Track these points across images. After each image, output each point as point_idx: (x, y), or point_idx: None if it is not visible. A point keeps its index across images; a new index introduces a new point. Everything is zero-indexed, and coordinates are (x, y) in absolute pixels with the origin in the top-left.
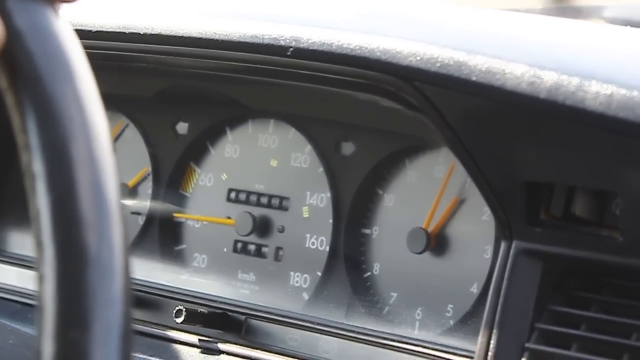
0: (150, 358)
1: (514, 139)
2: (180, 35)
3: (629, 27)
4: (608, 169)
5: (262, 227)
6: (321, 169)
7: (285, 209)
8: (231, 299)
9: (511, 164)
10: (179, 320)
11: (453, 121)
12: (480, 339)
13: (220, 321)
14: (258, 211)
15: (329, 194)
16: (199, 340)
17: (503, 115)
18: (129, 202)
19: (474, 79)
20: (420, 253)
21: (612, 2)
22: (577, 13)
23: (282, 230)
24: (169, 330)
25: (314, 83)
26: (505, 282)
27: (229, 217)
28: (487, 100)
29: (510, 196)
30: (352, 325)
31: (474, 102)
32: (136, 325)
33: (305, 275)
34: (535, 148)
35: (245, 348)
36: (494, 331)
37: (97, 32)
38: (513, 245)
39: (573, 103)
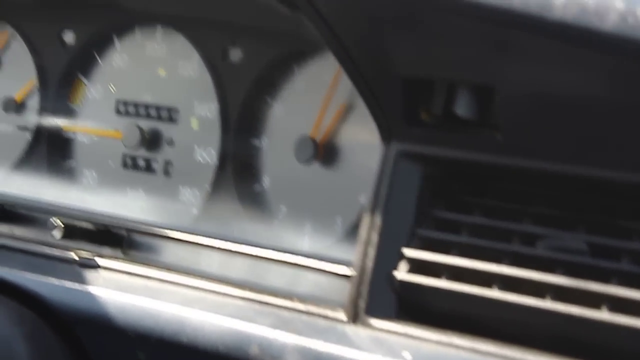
0: (25, 275)
1: (389, 33)
2: None
3: None
4: (487, 62)
5: (151, 140)
6: (209, 78)
7: (174, 121)
8: (118, 215)
9: (388, 60)
10: (57, 235)
11: (329, 17)
12: (358, 247)
13: (100, 236)
14: (147, 124)
15: (217, 104)
16: (78, 255)
17: (378, 8)
18: (16, 117)
19: None
20: (308, 163)
21: None
22: None
23: (171, 143)
24: (49, 247)
25: None
26: (385, 187)
27: (117, 130)
28: None
29: (388, 95)
30: (239, 239)
31: None
32: (16, 243)
33: (195, 190)
34: (411, 42)
35: (125, 263)
36: (373, 239)
37: None
38: (392, 148)
39: None
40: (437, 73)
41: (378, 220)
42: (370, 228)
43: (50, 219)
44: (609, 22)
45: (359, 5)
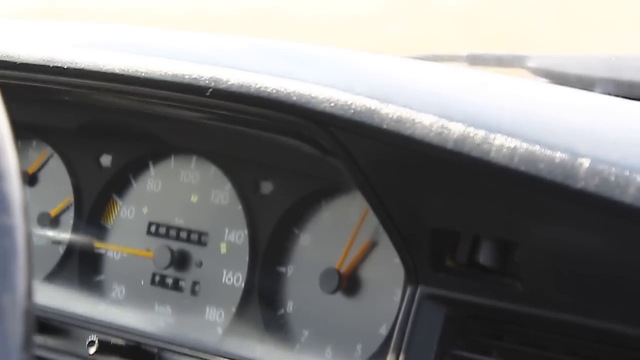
0: None
1: (422, 186)
2: (102, 70)
3: (547, 79)
4: (510, 219)
5: (180, 261)
6: (240, 207)
7: (204, 244)
8: (146, 331)
9: (419, 211)
10: (92, 351)
11: (364, 166)
12: None
13: (133, 353)
14: (177, 245)
15: (246, 232)
16: None
17: (412, 163)
18: (50, 232)
19: (384, 127)
20: (332, 293)
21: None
22: (499, 62)
23: (199, 265)
24: None
25: (232, 123)
26: (409, 325)
27: (148, 250)
28: (398, 148)
29: (417, 242)
30: None
31: (385, 150)
32: (50, 355)
33: (220, 310)
34: (442, 196)
35: None
36: None
37: (20, 64)
38: (418, 290)
39: (478, 155)
40: (464, 227)
41: (402, 356)
42: None
43: (88, 335)
44: (629, 194)
45: (395, 158)
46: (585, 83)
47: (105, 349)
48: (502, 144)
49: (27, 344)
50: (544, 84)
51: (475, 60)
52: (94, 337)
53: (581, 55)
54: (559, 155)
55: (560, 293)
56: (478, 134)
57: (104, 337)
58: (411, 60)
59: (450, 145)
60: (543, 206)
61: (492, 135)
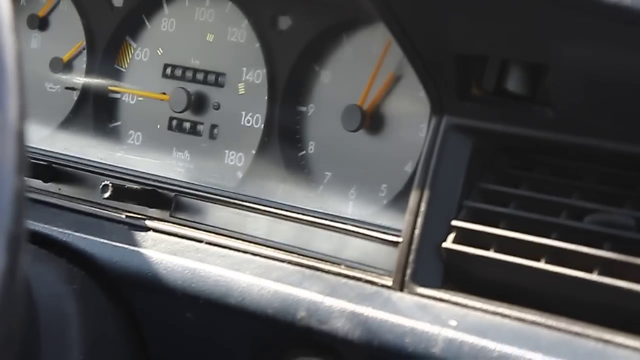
0: (75, 233)
1: (446, 9)
2: None
3: None
4: (542, 40)
5: (197, 103)
6: (257, 44)
7: (221, 85)
8: (163, 177)
9: (443, 36)
10: (106, 195)
11: None
12: (407, 216)
13: (148, 198)
14: (193, 87)
15: (264, 70)
16: (126, 216)
17: None
18: (63, 77)
19: None
20: (355, 131)
21: None
22: None
23: (217, 107)
24: (97, 207)
25: None
26: (434, 158)
27: (164, 93)
28: None
29: (442, 70)
30: (284, 204)
31: None
32: (65, 202)
33: (240, 154)
34: (468, 19)
35: (173, 225)
36: (421, 208)
37: None
38: (444, 121)
39: None
40: (492, 51)
41: (427, 190)
42: (419, 198)
43: (101, 181)
44: None
45: None
46: None
47: (120, 193)
48: None
49: (20, 167)
50: None
51: None
52: (107, 182)
53: None
54: None
55: (594, 118)
56: None
57: (119, 183)
58: None
59: None
60: (577, 23)
61: None
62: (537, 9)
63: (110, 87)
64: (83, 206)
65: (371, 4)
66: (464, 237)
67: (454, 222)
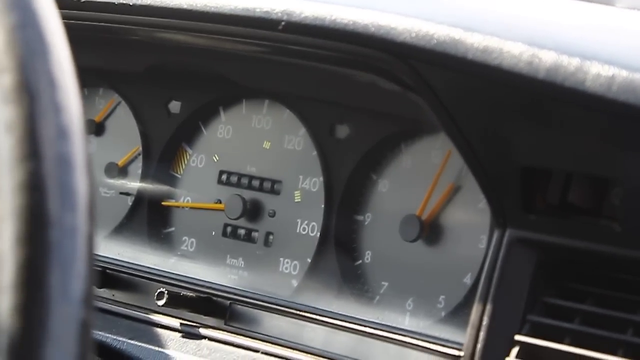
0: (129, 341)
1: (510, 121)
2: (169, 7)
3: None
4: (609, 154)
5: (253, 210)
6: (315, 152)
7: (277, 192)
8: (218, 284)
9: (507, 148)
10: (161, 302)
11: (448, 102)
12: (469, 330)
13: (203, 305)
14: (249, 194)
15: (321, 178)
16: (181, 324)
17: (500, 96)
18: (118, 182)
19: (470, 57)
20: (413, 241)
21: None
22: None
23: (273, 215)
24: (151, 314)
25: (306, 60)
26: (497, 271)
27: (219, 200)
28: (484, 80)
29: (506, 182)
30: (340, 314)
31: (470, 82)
32: (118, 308)
33: (295, 262)
34: (532, 131)
35: (228, 334)
36: (484, 322)
37: (85, 2)
38: (507, 234)
39: (572, 84)
40: (557, 164)
41: (490, 304)
42: (481, 311)
43: (156, 288)
44: None
45: (481, 91)
46: None
47: (175, 301)
48: (598, 72)
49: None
50: (635, 13)
51: None
52: (163, 289)
53: None
54: None
55: None
56: (572, 62)
57: (174, 290)
58: None
59: (541, 75)
60: None
61: (587, 63)
62: (604, 122)
63: (163, 203)
64: (137, 313)
65: (434, 116)
66: (527, 352)
67: (517, 337)
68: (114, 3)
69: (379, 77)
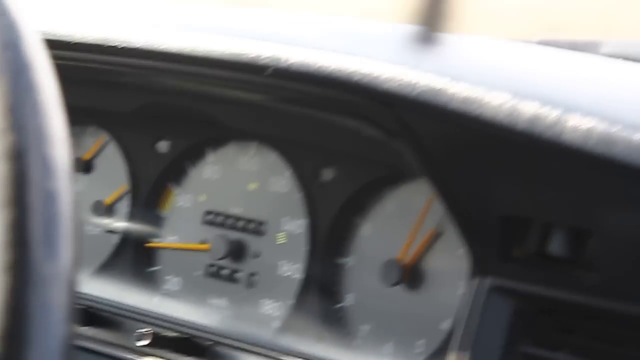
0: None
1: (490, 170)
2: (157, 50)
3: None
4: (586, 205)
5: (237, 251)
6: (300, 195)
7: (262, 234)
8: (200, 324)
9: (487, 197)
10: (141, 343)
11: (431, 149)
12: None
13: (184, 346)
14: (234, 235)
15: (306, 221)
16: None
17: (481, 145)
18: (104, 221)
19: (451, 107)
20: (394, 285)
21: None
22: (573, 47)
23: (256, 256)
24: (132, 354)
25: (293, 104)
26: (475, 319)
27: (204, 241)
28: (465, 130)
29: (485, 230)
30: (320, 357)
31: (452, 131)
32: (99, 347)
33: (277, 303)
34: (512, 181)
35: None
36: None
37: (74, 44)
38: (484, 282)
39: (551, 136)
40: (535, 213)
41: (467, 352)
42: (458, 359)
43: (138, 328)
44: None
45: (462, 140)
46: None
47: (157, 341)
48: (576, 125)
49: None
50: (619, 63)
51: (547, 45)
52: (143, 330)
53: None
54: (637, 137)
55: (639, 285)
56: (551, 115)
57: (156, 330)
58: (479, 38)
59: (521, 127)
60: (621, 191)
61: (565, 116)
62: (582, 174)
63: (147, 244)
64: (119, 353)
65: (416, 163)
66: None
67: None
68: (103, 45)
69: (364, 124)
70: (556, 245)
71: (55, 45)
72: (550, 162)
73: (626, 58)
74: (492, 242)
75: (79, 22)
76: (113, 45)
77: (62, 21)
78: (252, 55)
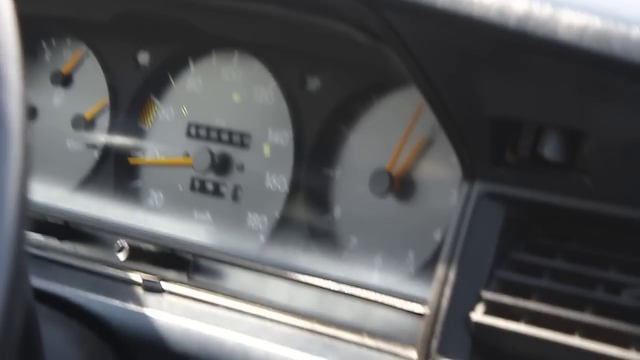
0: (88, 295)
1: (480, 71)
2: None
3: None
4: (581, 105)
5: (221, 164)
6: (285, 105)
7: (246, 146)
8: (182, 238)
9: (477, 99)
10: (122, 257)
11: (417, 51)
12: (435, 286)
13: (165, 260)
14: (218, 148)
15: (291, 132)
16: (142, 278)
17: (470, 45)
18: (85, 135)
19: (439, 5)
20: (383, 196)
21: None
22: None
23: (241, 169)
24: (114, 268)
25: (276, 5)
26: (465, 226)
27: (187, 154)
28: (453, 29)
29: (475, 134)
30: (307, 270)
31: (439, 31)
32: (80, 262)
33: (263, 217)
34: (503, 82)
35: (190, 288)
36: (450, 278)
37: None
38: (476, 188)
39: (544, 33)
40: (528, 115)
41: (456, 259)
42: (447, 267)
43: (117, 241)
44: None
45: (450, 40)
46: None
47: (136, 255)
48: (570, 21)
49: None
50: None
51: None
52: (123, 243)
53: None
54: (635, 32)
55: (634, 188)
56: (544, 11)
57: (137, 244)
58: None
59: (512, 24)
60: (617, 89)
61: (560, 12)
62: (576, 72)
63: (130, 160)
64: (99, 267)
65: (403, 67)
66: (493, 309)
67: (484, 293)
68: None
69: (350, 27)
70: (550, 148)
71: None
72: (543, 60)
73: None
74: (483, 146)
75: None
76: None
77: None
78: None
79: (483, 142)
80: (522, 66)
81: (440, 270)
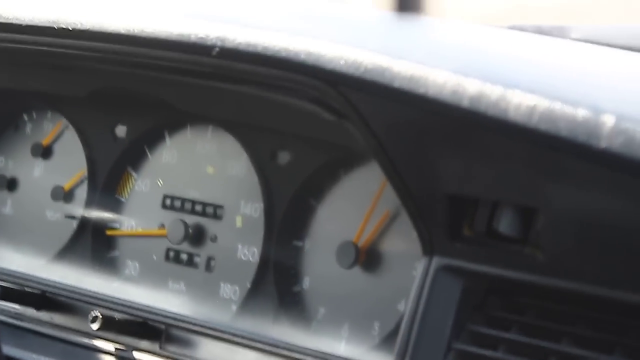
0: None
1: (437, 149)
2: (108, 32)
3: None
4: (532, 183)
5: (195, 235)
6: (256, 178)
7: (219, 217)
8: (157, 308)
9: (434, 176)
10: (95, 326)
11: (377, 129)
12: (396, 358)
13: (138, 329)
14: (192, 219)
15: (262, 204)
16: (115, 348)
17: (426, 124)
18: (63, 207)
19: (396, 85)
20: (350, 267)
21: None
22: (539, 31)
23: (214, 240)
24: (87, 338)
25: (242, 85)
26: (424, 299)
27: (162, 225)
28: (411, 108)
29: (433, 210)
30: (277, 340)
31: (397, 110)
32: (55, 332)
33: (235, 287)
34: (459, 160)
35: (162, 358)
36: (409, 351)
37: (26, 26)
38: (434, 261)
39: (495, 113)
40: (483, 192)
41: (415, 332)
42: (407, 340)
43: (91, 311)
44: None
45: (408, 119)
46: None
47: (110, 325)
48: (520, 102)
49: None
50: (586, 46)
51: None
52: (97, 312)
53: (629, 25)
54: (581, 113)
55: (585, 263)
56: (495, 91)
57: (111, 313)
58: (426, 18)
59: (465, 104)
60: (565, 168)
61: (510, 92)
62: (527, 151)
63: (107, 231)
64: (73, 336)
65: (365, 144)
66: None
67: None
68: (53, 28)
69: (316, 106)
70: (505, 224)
71: (6, 29)
72: (495, 139)
73: (594, 42)
74: (441, 221)
75: (28, 4)
76: (64, 27)
77: (10, 4)
78: (200, 35)
79: (441, 218)
80: (476, 145)
81: (400, 343)
